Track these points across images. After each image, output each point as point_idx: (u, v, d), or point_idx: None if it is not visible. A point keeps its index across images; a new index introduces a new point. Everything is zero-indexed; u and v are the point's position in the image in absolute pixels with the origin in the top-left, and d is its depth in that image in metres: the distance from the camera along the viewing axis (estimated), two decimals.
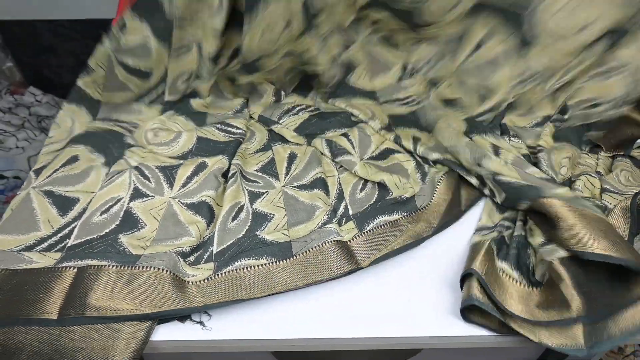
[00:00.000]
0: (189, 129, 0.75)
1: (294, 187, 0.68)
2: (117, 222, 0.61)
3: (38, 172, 0.66)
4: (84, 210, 0.62)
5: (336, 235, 0.59)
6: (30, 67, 1.34)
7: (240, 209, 0.64)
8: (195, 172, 0.68)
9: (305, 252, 0.58)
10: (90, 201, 0.63)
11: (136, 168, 0.68)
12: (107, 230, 0.60)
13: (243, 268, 0.56)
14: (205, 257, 0.59)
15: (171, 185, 0.66)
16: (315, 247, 0.58)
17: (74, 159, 0.67)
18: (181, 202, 0.64)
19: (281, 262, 0.57)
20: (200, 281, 0.54)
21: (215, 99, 0.80)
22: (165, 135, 0.74)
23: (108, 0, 1.11)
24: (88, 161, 0.68)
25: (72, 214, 0.62)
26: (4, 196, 1.15)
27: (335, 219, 0.64)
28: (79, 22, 1.20)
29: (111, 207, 0.62)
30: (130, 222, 0.61)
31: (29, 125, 1.28)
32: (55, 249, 0.58)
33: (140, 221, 0.61)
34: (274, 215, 0.64)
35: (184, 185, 0.66)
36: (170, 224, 0.61)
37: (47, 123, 1.31)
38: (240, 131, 0.75)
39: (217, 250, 0.59)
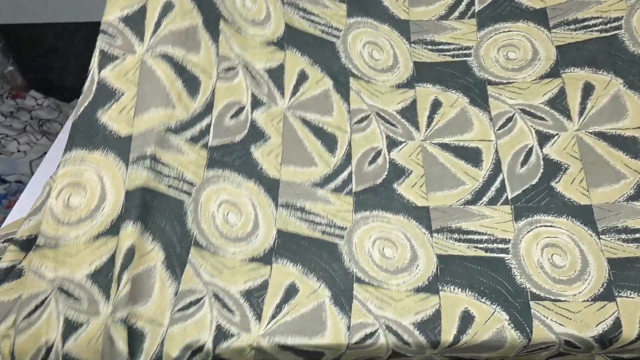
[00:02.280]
0: (264, 210, 0.51)
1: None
2: None
3: None
4: None
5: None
6: (33, 70, 1.33)
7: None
8: None
9: None
10: None
11: (216, 297, 0.43)
12: None
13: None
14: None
15: None
16: None
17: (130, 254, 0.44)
18: None
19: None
20: None
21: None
22: (234, 218, 0.49)
23: None
24: (147, 259, 0.44)
25: None
26: (6, 200, 1.14)
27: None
28: (83, 25, 1.19)
29: None
30: None
31: (30, 129, 1.27)
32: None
33: None
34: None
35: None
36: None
37: (49, 127, 1.30)
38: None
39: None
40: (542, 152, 0.53)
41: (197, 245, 0.44)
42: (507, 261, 0.48)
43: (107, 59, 0.46)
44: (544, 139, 0.54)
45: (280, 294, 0.44)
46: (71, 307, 0.39)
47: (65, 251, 0.40)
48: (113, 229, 0.41)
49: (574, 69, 0.56)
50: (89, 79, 0.46)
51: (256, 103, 0.51)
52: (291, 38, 0.57)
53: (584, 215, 0.51)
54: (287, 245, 0.48)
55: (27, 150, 1.21)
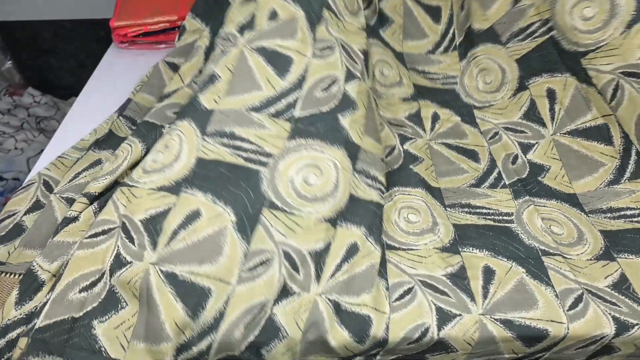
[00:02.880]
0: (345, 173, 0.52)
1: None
2: None
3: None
4: None
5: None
6: (30, 68, 1.33)
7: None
8: None
9: None
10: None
11: (286, 255, 0.46)
12: None
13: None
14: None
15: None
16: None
17: (195, 215, 0.46)
18: None
19: None
20: None
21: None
22: (315, 180, 0.51)
23: (109, 0, 1.11)
24: (214, 220, 0.46)
25: None
26: (3, 197, 1.14)
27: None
28: (80, 22, 1.19)
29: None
30: None
31: (27, 127, 1.27)
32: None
33: None
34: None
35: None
36: None
37: (46, 124, 1.30)
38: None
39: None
40: (526, 157, 0.62)
41: (273, 206, 0.48)
42: (514, 228, 0.55)
43: (215, 54, 0.57)
44: (526, 148, 0.63)
45: (342, 253, 0.49)
46: (124, 245, 0.45)
47: (135, 192, 0.47)
48: (174, 188, 0.47)
49: (536, 79, 0.64)
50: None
51: (350, 77, 0.57)
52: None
53: (571, 200, 0.58)
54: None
55: (24, 148, 1.21)
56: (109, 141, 0.66)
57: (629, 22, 0.56)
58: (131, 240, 0.45)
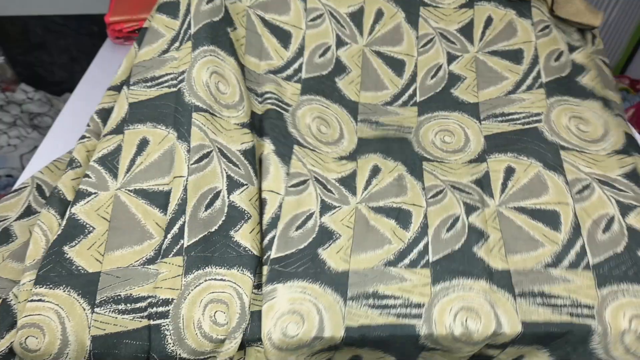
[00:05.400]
0: (347, 125, 0.66)
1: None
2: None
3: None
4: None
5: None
6: (22, 63, 1.32)
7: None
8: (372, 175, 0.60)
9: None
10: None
11: (317, 180, 0.58)
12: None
13: None
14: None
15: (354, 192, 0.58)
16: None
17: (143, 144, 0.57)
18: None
19: None
20: None
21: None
22: (325, 129, 0.64)
23: None
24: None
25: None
26: None
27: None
28: (72, 17, 1.18)
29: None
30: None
31: (20, 123, 1.26)
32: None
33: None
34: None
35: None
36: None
37: (40, 120, 1.29)
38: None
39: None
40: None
41: (299, 144, 0.60)
42: (539, 127, 0.63)
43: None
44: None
45: (367, 174, 0.60)
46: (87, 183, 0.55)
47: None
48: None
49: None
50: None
51: (340, 43, 0.69)
52: None
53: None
54: (363, 149, 0.63)
55: (17, 144, 1.21)
56: (139, 114, 0.62)
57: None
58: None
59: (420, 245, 0.53)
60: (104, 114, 0.62)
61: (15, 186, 0.60)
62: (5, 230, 0.53)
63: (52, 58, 1.30)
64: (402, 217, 0.55)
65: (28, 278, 0.47)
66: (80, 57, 1.27)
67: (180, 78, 0.59)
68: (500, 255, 0.52)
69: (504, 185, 0.58)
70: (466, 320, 0.47)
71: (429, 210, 0.56)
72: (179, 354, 0.45)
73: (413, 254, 0.52)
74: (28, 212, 0.56)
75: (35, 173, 0.60)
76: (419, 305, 0.48)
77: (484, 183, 0.59)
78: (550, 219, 0.54)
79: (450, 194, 0.57)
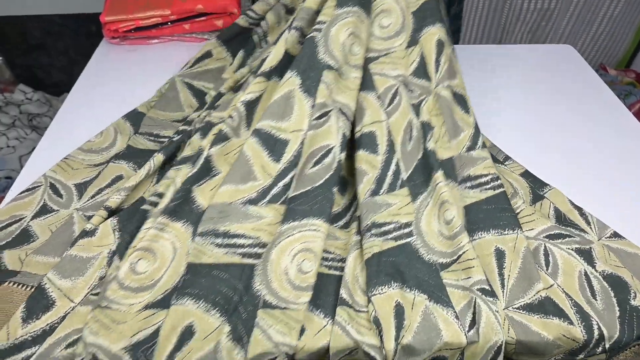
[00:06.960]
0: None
1: None
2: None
3: (79, 188, 0.59)
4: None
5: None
6: (20, 64, 1.31)
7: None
8: None
9: None
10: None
11: (340, 111, 0.56)
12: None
13: None
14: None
15: None
16: None
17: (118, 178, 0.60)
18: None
19: None
20: None
21: None
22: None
23: None
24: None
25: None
26: None
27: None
28: (70, 17, 1.17)
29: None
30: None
31: (19, 124, 1.25)
32: None
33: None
34: None
35: None
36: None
37: (38, 121, 1.29)
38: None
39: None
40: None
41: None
42: None
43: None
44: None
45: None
46: None
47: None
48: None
49: (481, 234, 0.53)
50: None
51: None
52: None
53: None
54: None
55: (16, 145, 1.20)
56: (129, 155, 0.64)
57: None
58: None
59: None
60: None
61: (16, 184, 0.61)
62: (24, 230, 0.55)
63: (50, 59, 1.30)
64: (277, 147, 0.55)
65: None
66: (79, 58, 1.27)
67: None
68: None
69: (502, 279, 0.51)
70: (302, 262, 0.49)
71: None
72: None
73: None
74: (44, 210, 0.57)
75: (47, 172, 0.62)
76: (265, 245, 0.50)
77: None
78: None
79: None
